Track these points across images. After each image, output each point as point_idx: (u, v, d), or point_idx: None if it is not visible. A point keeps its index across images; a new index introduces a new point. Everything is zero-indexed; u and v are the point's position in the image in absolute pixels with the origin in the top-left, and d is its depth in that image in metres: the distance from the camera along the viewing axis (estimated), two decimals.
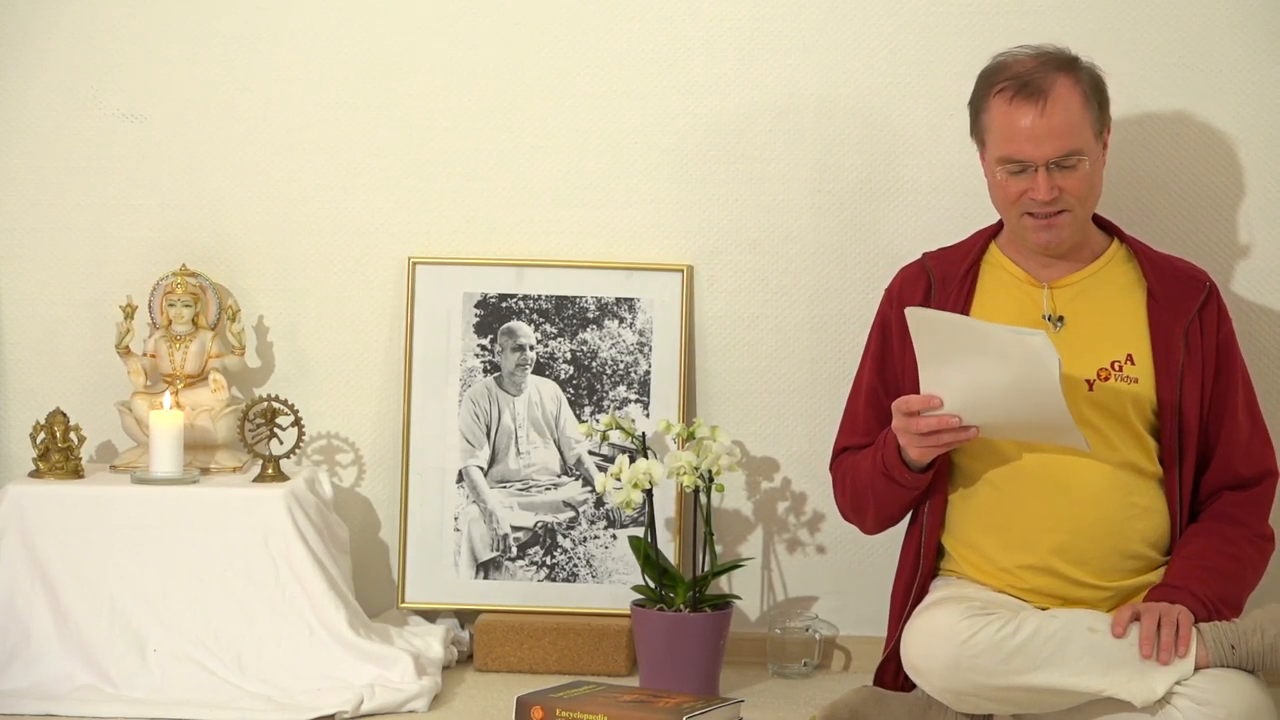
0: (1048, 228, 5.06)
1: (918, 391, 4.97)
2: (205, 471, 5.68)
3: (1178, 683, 4.74)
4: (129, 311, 5.75)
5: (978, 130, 5.13)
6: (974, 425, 4.89)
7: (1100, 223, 5.25)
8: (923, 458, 4.99)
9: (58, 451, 5.58)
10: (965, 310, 5.15)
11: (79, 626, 5.37)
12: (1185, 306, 5.13)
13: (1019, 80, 5.01)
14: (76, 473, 5.60)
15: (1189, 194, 5.75)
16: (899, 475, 5.05)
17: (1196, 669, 4.75)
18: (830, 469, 5.32)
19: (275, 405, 5.70)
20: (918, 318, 4.88)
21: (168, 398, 5.62)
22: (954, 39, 5.68)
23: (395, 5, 5.89)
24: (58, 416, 5.60)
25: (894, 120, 5.80)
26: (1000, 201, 5.11)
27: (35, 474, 5.60)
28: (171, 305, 5.75)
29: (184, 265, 5.79)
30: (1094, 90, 5.08)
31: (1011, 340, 4.79)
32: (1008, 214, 5.13)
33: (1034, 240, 5.10)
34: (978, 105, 5.12)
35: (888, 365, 5.18)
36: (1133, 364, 5.07)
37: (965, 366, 4.85)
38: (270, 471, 5.63)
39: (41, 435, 5.59)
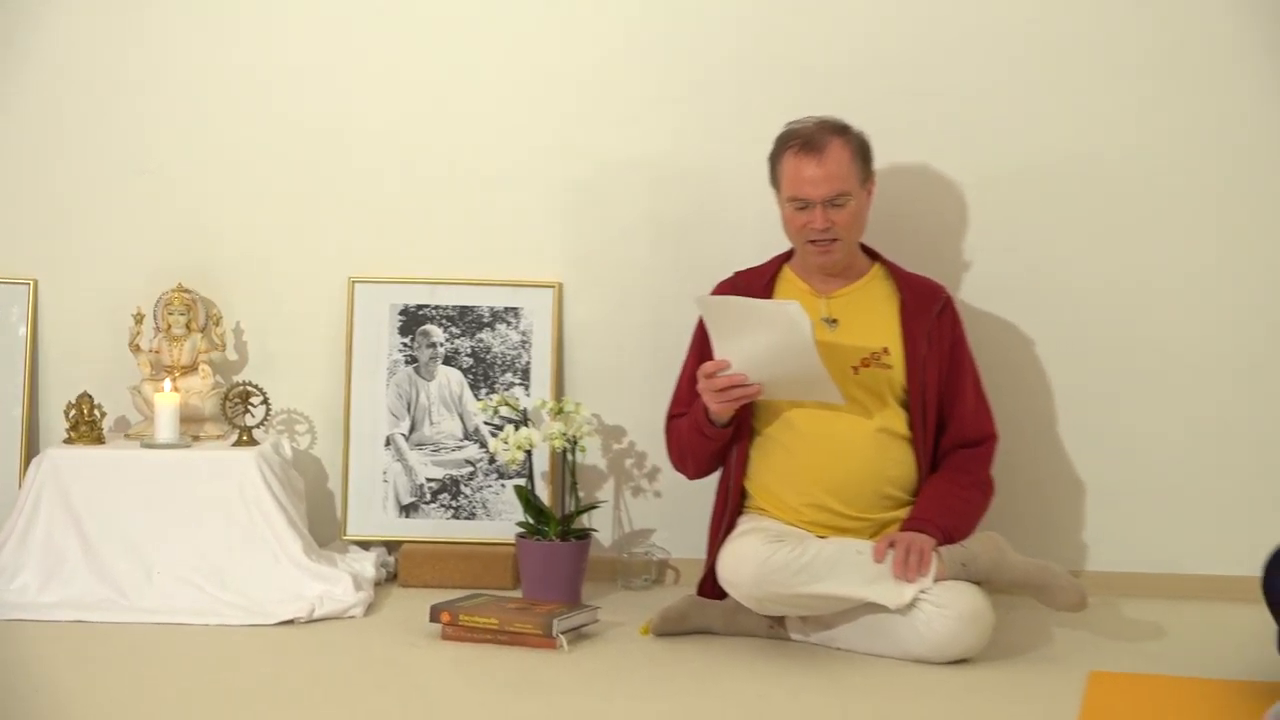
0: (824, 252, 5.14)
1: None
2: (196, 439, 5.72)
3: (922, 591, 4.87)
4: (139, 318, 5.79)
5: (775, 178, 5.19)
6: (756, 383, 4.95)
7: (866, 250, 5.33)
8: (723, 413, 5.05)
9: (85, 424, 5.63)
10: None
11: (100, 555, 5.40)
12: (928, 312, 5.24)
13: (803, 140, 5.10)
14: (99, 440, 5.64)
15: (932, 228, 5.79)
16: (708, 431, 5.11)
17: (936, 581, 4.89)
18: (664, 432, 5.38)
19: (248, 389, 5.74)
20: (706, 302, 5.02)
21: (168, 383, 5.66)
22: (757, 106, 5.66)
23: (340, 76, 5.90)
24: (84, 398, 5.65)
25: (714, 170, 5.80)
26: (790, 232, 5.19)
27: (67, 441, 5.64)
28: (170, 314, 5.77)
29: (180, 283, 5.81)
30: (860, 149, 5.17)
31: (774, 309, 4.90)
32: (796, 241, 5.21)
33: (814, 261, 5.17)
34: (775, 160, 5.19)
35: (705, 354, 5.15)
36: (888, 355, 5.18)
37: (744, 335, 4.92)
38: (245, 438, 5.67)
39: (72, 412, 5.64)
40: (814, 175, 5.10)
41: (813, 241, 5.16)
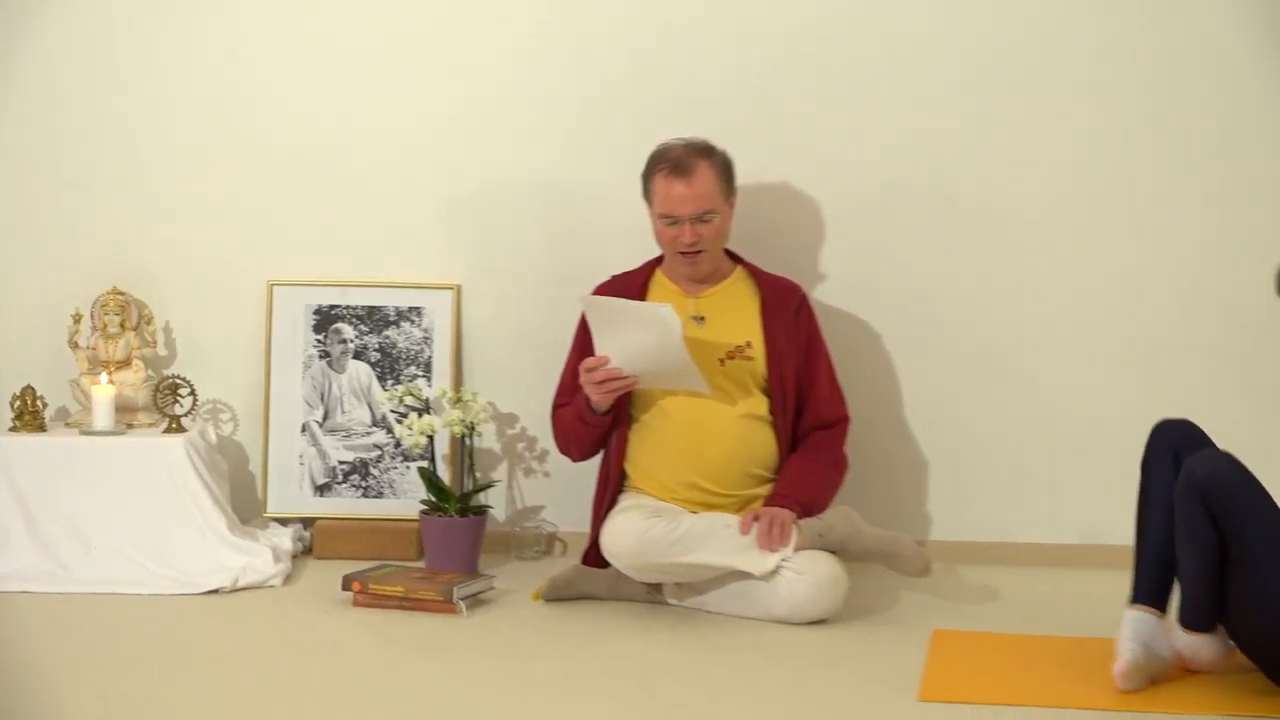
0: (691, 262, 5.22)
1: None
2: (130, 426, 5.69)
3: (783, 560, 4.95)
4: (77, 318, 5.76)
5: (647, 195, 5.23)
6: (632, 375, 5.01)
7: (730, 254, 5.37)
8: (602, 402, 5.12)
9: (28, 413, 5.61)
10: None
11: (43, 532, 5.42)
12: (786, 309, 5.30)
13: (673, 162, 5.15)
14: (41, 428, 5.63)
15: (790, 235, 5.80)
16: (589, 419, 5.18)
17: (796, 551, 4.96)
18: (550, 419, 5.40)
19: (177, 381, 5.73)
20: (589, 303, 5.13)
21: (104, 377, 5.64)
22: (633, 129, 5.62)
23: (260, 98, 5.89)
24: (28, 390, 5.63)
25: (594, 186, 5.80)
26: (662, 244, 5.26)
27: (13, 429, 5.61)
28: (106, 314, 5.75)
29: (114, 286, 5.80)
30: (724, 169, 5.22)
31: (649, 311, 4.98)
32: (666, 251, 5.28)
33: (682, 270, 5.25)
34: (647, 179, 5.23)
35: (586, 349, 5.17)
36: (751, 348, 5.24)
37: (622, 334, 5.00)
38: (174, 426, 5.66)
39: (17, 403, 5.61)
40: (682, 195, 5.15)
41: (682, 253, 5.21)
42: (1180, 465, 4.33)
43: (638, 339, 5.00)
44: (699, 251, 5.20)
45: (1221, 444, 4.44)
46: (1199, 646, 4.33)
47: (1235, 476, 4.23)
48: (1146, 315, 5.79)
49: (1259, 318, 5.61)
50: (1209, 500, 4.17)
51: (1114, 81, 5.74)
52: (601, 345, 5.06)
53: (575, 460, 5.41)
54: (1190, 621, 4.32)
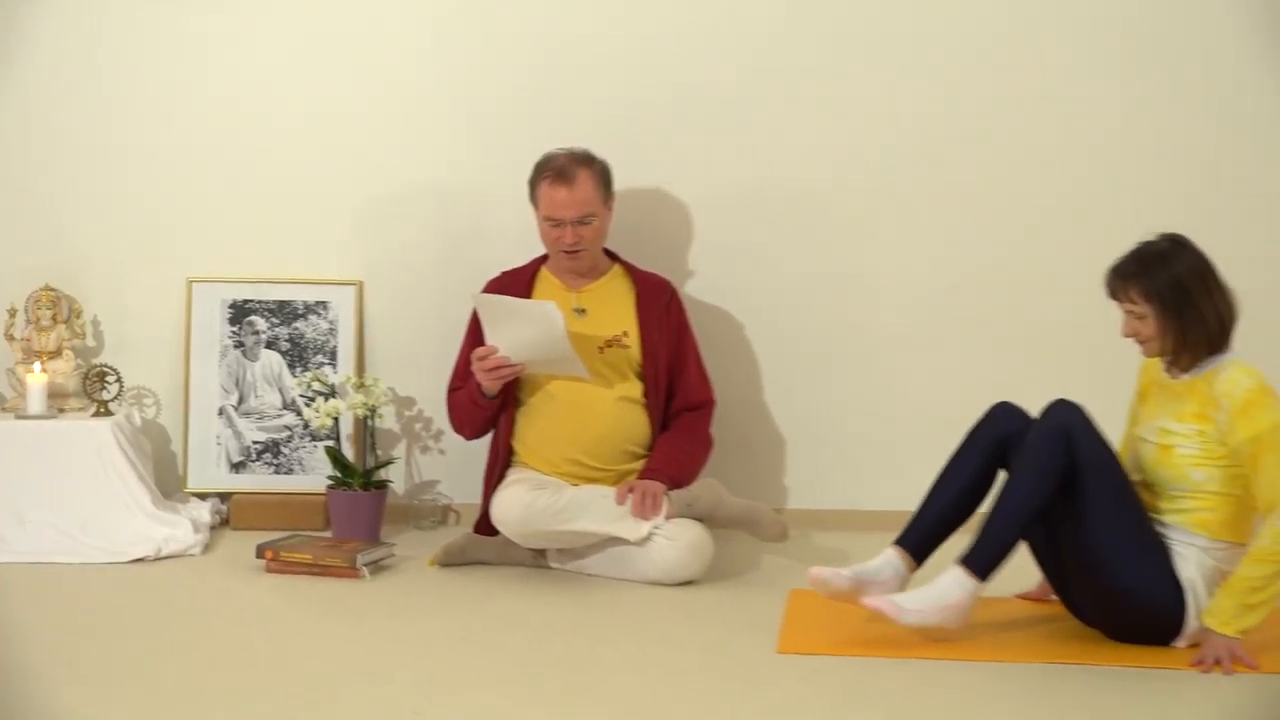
0: (572, 259, 5.30)
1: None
2: (61, 411, 5.67)
3: (655, 527, 5.01)
4: (12, 313, 5.77)
5: (534, 199, 5.29)
6: (519, 362, 5.08)
7: (608, 253, 5.43)
8: (492, 388, 5.15)
9: None
10: None
11: None
12: (658, 303, 5.37)
13: (556, 170, 5.22)
14: None
15: (664, 236, 5.83)
16: (480, 401, 5.22)
17: (667, 519, 5.02)
18: (446, 402, 5.40)
19: (104, 369, 5.73)
20: (480, 300, 5.16)
21: (37, 366, 5.64)
22: (521, 137, 5.62)
23: (179, 102, 5.84)
24: None
25: (486, 189, 5.82)
26: (547, 243, 5.33)
27: None
28: (39, 309, 5.75)
29: (47, 284, 5.79)
30: (603, 176, 5.30)
31: (535, 308, 5.05)
32: (551, 250, 5.34)
33: (565, 265, 5.34)
34: (534, 185, 5.29)
35: (477, 339, 5.22)
36: (627, 338, 5.30)
37: (510, 327, 5.04)
38: (101, 410, 5.65)
39: None
40: (565, 200, 5.21)
41: (564, 251, 5.27)
42: (998, 449, 4.40)
43: (524, 333, 5.03)
44: (579, 250, 5.25)
45: None
46: (961, 598, 4.28)
47: (1090, 423, 4.27)
48: (981, 307, 5.86)
49: (1083, 305, 5.67)
50: (1073, 441, 4.20)
51: (960, 82, 5.82)
52: (491, 337, 5.09)
53: (468, 439, 5.42)
54: (981, 568, 4.27)
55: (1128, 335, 4.36)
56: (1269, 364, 4.36)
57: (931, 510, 4.50)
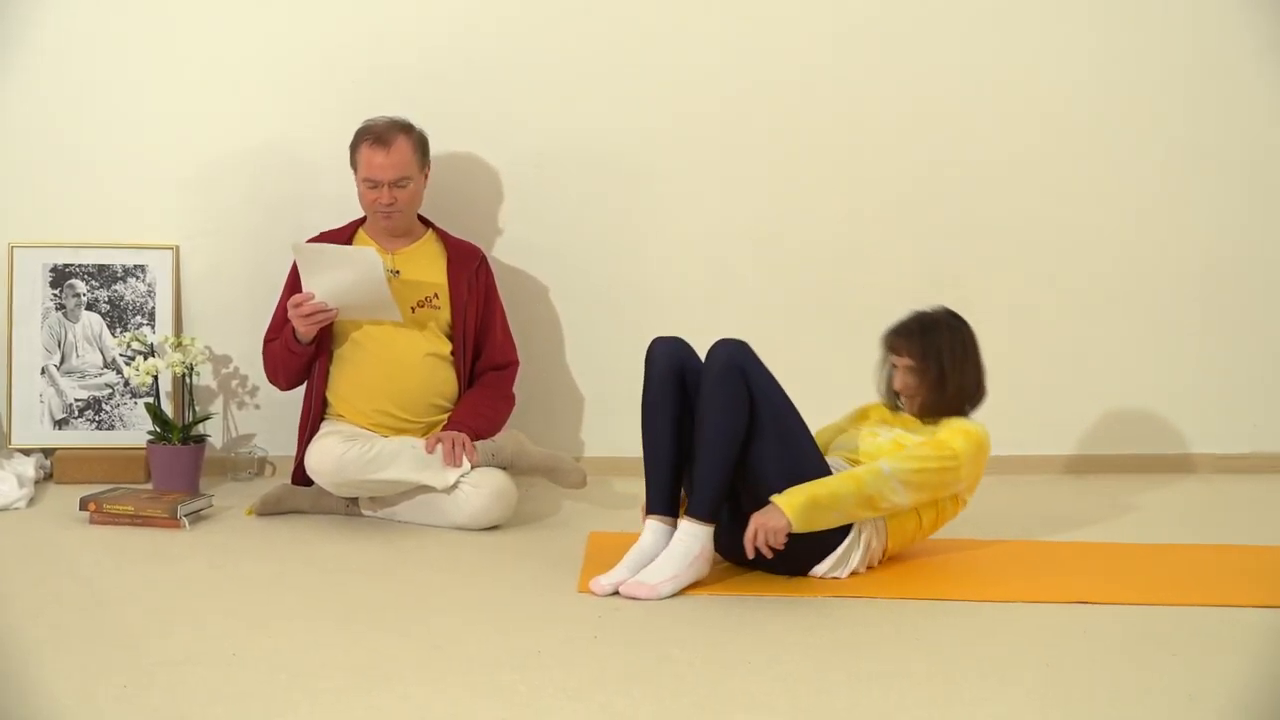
0: (388, 219, 5.30)
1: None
2: None
3: (462, 476, 5.03)
4: None
5: (354, 163, 5.30)
6: (334, 308, 5.08)
7: (422, 219, 5.44)
8: (308, 334, 5.15)
9: None
10: None
11: None
12: (468, 267, 5.37)
13: (375, 135, 5.24)
14: None
15: (476, 203, 5.84)
16: (295, 348, 5.20)
17: (473, 468, 5.04)
18: (261, 353, 5.39)
19: None
20: (300, 249, 5.12)
21: None
22: (341, 106, 5.63)
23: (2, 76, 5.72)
24: None
25: (304, 159, 5.78)
26: (365, 204, 5.33)
27: None
28: None
29: None
30: (420, 144, 5.32)
31: (356, 253, 5.06)
32: (369, 211, 5.34)
33: (381, 227, 5.33)
34: (354, 149, 5.30)
35: (296, 290, 5.21)
36: (438, 299, 5.31)
37: (330, 273, 5.03)
38: None
39: None
40: (383, 163, 5.22)
41: (381, 212, 5.29)
42: (679, 378, 4.46)
43: (343, 278, 5.03)
44: (394, 211, 5.27)
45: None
46: (702, 547, 4.34)
47: (756, 358, 4.38)
48: (768, 266, 5.92)
49: (848, 261, 5.91)
50: (747, 373, 4.31)
51: (762, 50, 5.85)
52: (309, 284, 5.07)
53: (283, 389, 5.41)
54: (707, 512, 4.35)
55: (899, 389, 4.65)
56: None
57: (659, 467, 4.48)
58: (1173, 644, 3.93)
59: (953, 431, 4.52)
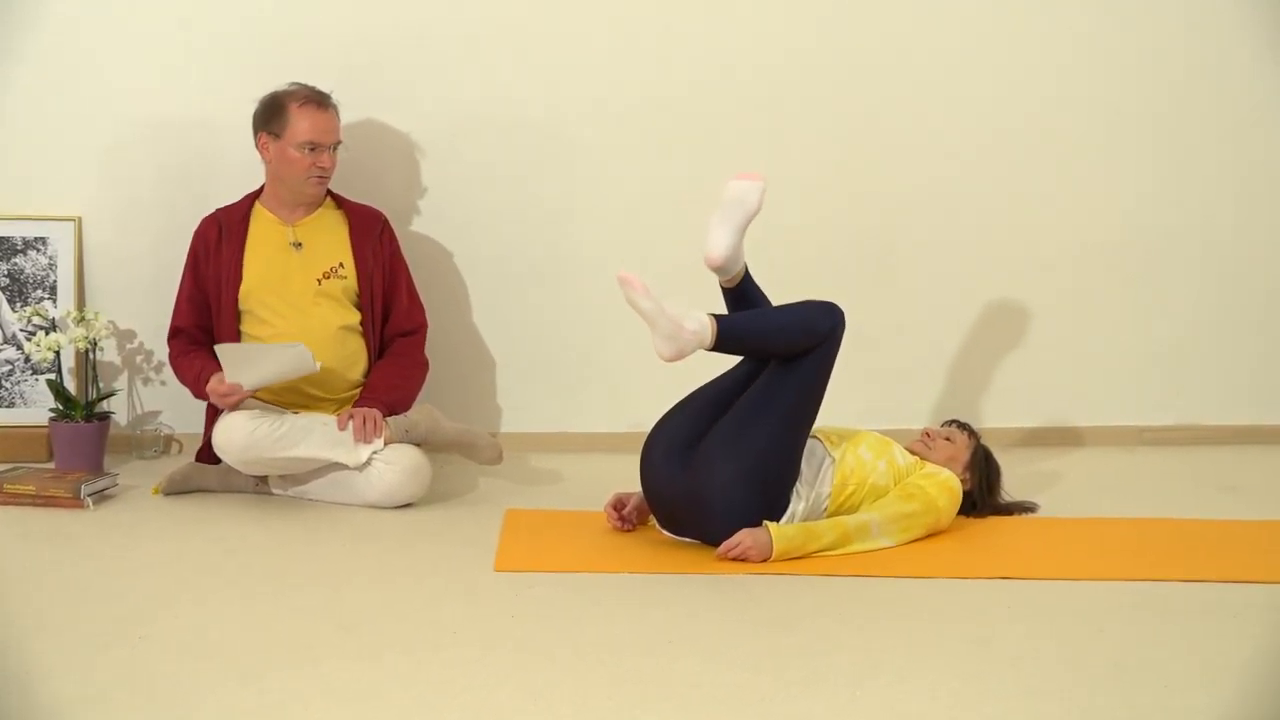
0: (321, 183, 5.24)
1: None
2: None
3: (374, 452, 4.98)
4: None
5: (279, 128, 5.15)
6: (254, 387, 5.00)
7: None
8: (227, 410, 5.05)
9: None
10: (242, 243, 5.21)
11: None
12: (371, 233, 5.33)
13: (313, 96, 5.17)
14: None
15: (380, 168, 5.77)
16: (200, 392, 5.15)
17: (386, 444, 5.00)
18: (167, 341, 5.33)
19: None
20: (222, 351, 4.99)
21: None
22: (243, 78, 5.50)
23: None
24: None
25: (208, 128, 5.72)
26: (295, 170, 5.19)
27: None
28: None
29: None
30: (336, 111, 5.25)
31: (283, 351, 4.94)
32: (299, 178, 5.20)
33: (313, 191, 5.25)
34: (281, 112, 5.15)
35: (198, 276, 5.22)
36: (343, 269, 5.27)
37: (255, 369, 4.95)
38: None
39: None
40: (327, 126, 5.16)
41: (318, 177, 5.21)
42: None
43: (270, 371, 4.97)
44: (328, 176, 5.24)
45: None
46: (693, 330, 4.35)
47: (839, 341, 4.48)
48: (680, 230, 5.78)
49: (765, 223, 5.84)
50: (831, 335, 4.42)
51: (680, 13, 5.86)
52: (234, 378, 4.98)
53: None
54: (724, 325, 4.39)
55: (925, 449, 4.86)
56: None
57: (745, 313, 4.59)
58: (1091, 618, 3.94)
59: (939, 487, 4.64)
